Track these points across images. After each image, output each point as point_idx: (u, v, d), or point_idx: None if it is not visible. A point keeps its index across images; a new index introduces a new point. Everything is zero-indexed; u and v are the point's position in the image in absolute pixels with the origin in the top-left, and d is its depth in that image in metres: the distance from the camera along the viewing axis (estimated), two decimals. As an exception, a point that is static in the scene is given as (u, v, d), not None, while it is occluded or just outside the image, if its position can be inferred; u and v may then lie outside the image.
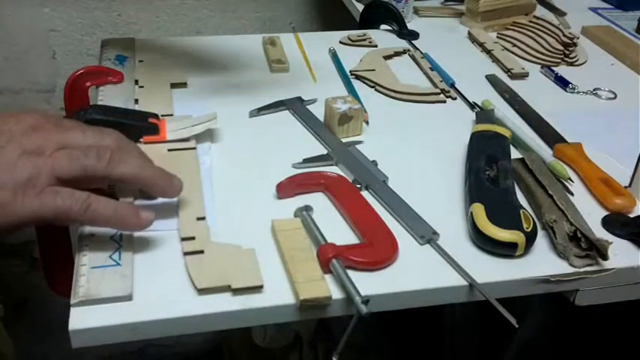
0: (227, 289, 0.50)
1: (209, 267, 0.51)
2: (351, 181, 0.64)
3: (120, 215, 0.50)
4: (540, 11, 1.12)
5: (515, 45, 0.99)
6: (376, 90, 0.85)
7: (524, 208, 0.59)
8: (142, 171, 0.52)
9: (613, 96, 0.88)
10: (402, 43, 0.99)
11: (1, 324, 0.76)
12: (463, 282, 0.54)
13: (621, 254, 0.58)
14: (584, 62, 0.97)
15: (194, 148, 0.67)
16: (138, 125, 0.67)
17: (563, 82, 0.89)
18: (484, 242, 0.56)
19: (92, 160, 0.49)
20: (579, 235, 0.56)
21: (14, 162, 0.47)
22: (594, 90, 0.88)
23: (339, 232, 0.58)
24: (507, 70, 0.91)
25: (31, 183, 0.47)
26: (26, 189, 0.47)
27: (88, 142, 0.51)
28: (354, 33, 0.99)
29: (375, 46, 0.97)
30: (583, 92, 0.88)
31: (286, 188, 0.62)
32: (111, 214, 0.50)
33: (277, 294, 0.51)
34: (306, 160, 0.67)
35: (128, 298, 0.49)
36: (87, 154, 0.49)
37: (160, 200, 0.57)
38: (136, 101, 0.74)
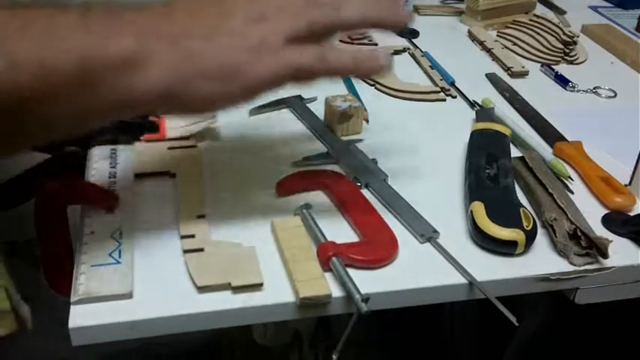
0: (227, 287, 0.50)
1: (209, 265, 0.51)
2: (351, 179, 0.64)
3: (359, 61, 0.50)
4: (540, 9, 1.12)
5: (515, 43, 0.99)
6: (376, 88, 0.85)
7: (524, 207, 0.59)
8: (368, 11, 0.50)
9: (613, 94, 0.88)
10: (402, 42, 0.99)
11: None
12: (463, 280, 0.54)
13: (621, 252, 0.58)
14: (584, 61, 0.97)
15: (194, 146, 0.67)
16: (138, 123, 0.67)
17: (563, 81, 0.89)
18: (484, 240, 0.56)
19: (315, 12, 0.48)
20: (579, 233, 0.56)
21: (241, 29, 0.47)
22: (594, 88, 0.88)
23: (339, 230, 0.58)
24: (507, 69, 0.91)
25: (264, 45, 0.46)
26: (261, 50, 0.46)
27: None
28: (354, 31, 0.99)
29: (375, 44, 0.97)
30: (583, 91, 0.88)
31: (286, 186, 0.62)
32: (349, 62, 0.49)
33: (277, 292, 0.51)
34: (306, 159, 0.67)
35: (128, 296, 0.49)
36: (307, 8, 0.48)
37: (159, 200, 0.57)
38: (136, 99, 0.74)
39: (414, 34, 1.00)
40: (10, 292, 0.65)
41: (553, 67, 0.92)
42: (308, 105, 0.77)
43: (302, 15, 0.48)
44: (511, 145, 0.70)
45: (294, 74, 0.48)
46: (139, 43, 0.44)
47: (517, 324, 0.50)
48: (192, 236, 0.54)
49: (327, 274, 0.52)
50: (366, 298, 0.49)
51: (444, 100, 0.83)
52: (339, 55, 0.49)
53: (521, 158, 0.68)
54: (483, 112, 0.77)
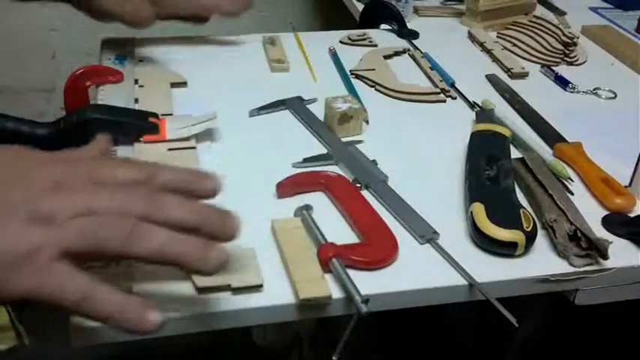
0: (227, 288, 0.50)
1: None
2: (351, 180, 0.64)
3: (123, 315, 0.41)
4: (540, 11, 1.12)
5: (515, 44, 0.99)
6: (376, 89, 0.85)
7: (524, 208, 0.59)
8: (168, 248, 0.43)
9: (613, 95, 0.88)
10: (402, 43, 0.99)
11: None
12: (463, 281, 0.54)
13: (621, 254, 0.58)
14: (584, 62, 0.97)
15: (194, 148, 0.67)
16: (138, 124, 0.67)
17: (563, 82, 0.89)
18: (484, 242, 0.56)
19: (107, 235, 0.41)
20: (579, 234, 0.56)
21: (18, 229, 0.40)
22: (594, 89, 0.88)
23: (339, 231, 0.58)
24: (507, 70, 0.91)
25: (31, 257, 0.40)
26: (23, 264, 0.40)
27: (115, 206, 0.42)
28: (354, 32, 0.99)
29: (375, 45, 0.97)
30: (583, 92, 0.88)
31: (286, 188, 0.62)
32: (110, 314, 0.41)
33: (277, 293, 0.51)
34: (306, 160, 0.67)
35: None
36: (103, 227, 0.41)
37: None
38: (136, 101, 0.74)
39: (414, 35, 1.00)
40: (9, 307, 0.65)
41: (553, 68, 0.92)
42: (308, 106, 0.77)
43: (93, 234, 0.41)
44: (511, 146, 0.70)
45: (49, 302, 0.41)
46: None
47: (517, 325, 0.50)
48: (192, 237, 0.54)
49: (327, 276, 0.52)
50: (366, 300, 0.49)
51: (444, 101, 0.83)
52: (105, 300, 0.41)
53: (521, 159, 0.68)
54: (483, 113, 0.77)
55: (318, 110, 0.76)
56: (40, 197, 0.42)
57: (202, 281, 0.50)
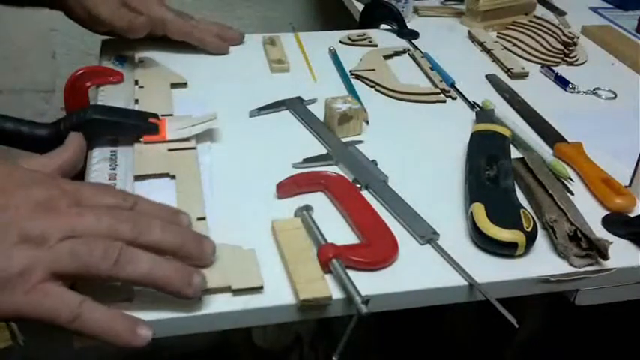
0: (227, 289, 0.50)
1: (209, 267, 0.51)
2: (351, 180, 0.64)
3: (114, 332, 0.44)
4: (540, 11, 1.12)
5: (515, 45, 0.99)
6: (376, 90, 0.85)
7: (525, 208, 0.59)
8: (154, 272, 0.45)
9: (613, 96, 0.88)
10: (402, 43, 0.99)
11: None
12: (463, 282, 0.54)
13: (621, 254, 0.58)
14: (584, 62, 0.97)
15: (194, 148, 0.67)
16: (138, 125, 0.67)
17: (563, 82, 0.89)
18: (484, 242, 0.56)
19: (96, 258, 0.43)
20: (579, 234, 0.56)
21: (10, 250, 0.41)
22: (594, 90, 0.88)
23: (339, 231, 0.58)
24: (507, 70, 0.91)
25: (23, 278, 0.41)
26: (15, 284, 0.41)
27: (102, 229, 0.44)
28: (354, 33, 0.99)
29: (375, 45, 0.97)
30: (583, 92, 0.88)
31: (286, 188, 0.62)
32: (102, 330, 0.43)
33: (277, 294, 0.51)
34: (306, 160, 0.67)
35: (129, 298, 0.49)
36: (92, 250, 0.43)
37: (159, 202, 0.56)
38: (136, 101, 0.74)
39: (414, 35, 1.00)
40: None
41: (553, 68, 0.92)
42: (308, 106, 0.77)
43: (82, 257, 0.43)
44: (511, 147, 0.70)
45: (40, 320, 0.42)
46: None
47: (517, 325, 0.50)
48: (193, 238, 0.54)
49: (328, 276, 0.52)
50: (366, 300, 0.49)
51: (444, 101, 0.83)
52: (97, 318, 0.43)
53: (522, 159, 0.68)
54: (483, 114, 0.77)
55: (318, 110, 0.76)
56: (29, 219, 0.43)
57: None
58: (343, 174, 0.65)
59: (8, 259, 0.41)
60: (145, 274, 0.45)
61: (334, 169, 0.67)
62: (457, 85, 0.86)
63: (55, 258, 0.43)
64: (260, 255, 0.53)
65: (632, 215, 0.63)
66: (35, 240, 0.42)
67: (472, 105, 0.82)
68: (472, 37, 1.02)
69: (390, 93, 0.83)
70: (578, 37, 0.96)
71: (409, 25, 1.02)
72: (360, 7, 1.08)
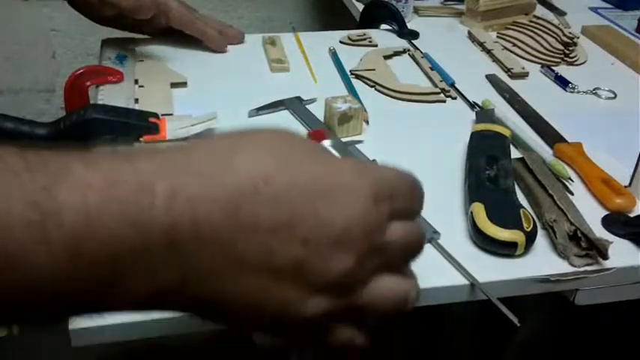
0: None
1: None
2: (351, 180, 0.64)
3: None
4: (540, 11, 1.12)
5: (515, 45, 0.99)
6: (376, 89, 0.85)
7: (525, 208, 0.59)
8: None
9: (613, 95, 0.88)
10: (402, 43, 0.99)
11: None
12: (464, 281, 0.54)
13: (621, 254, 0.58)
14: (584, 62, 0.97)
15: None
16: (138, 125, 0.67)
17: (563, 82, 0.89)
18: (484, 242, 0.56)
19: (403, 305, 0.37)
20: (579, 234, 0.56)
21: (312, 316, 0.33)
22: (594, 89, 0.88)
23: (339, 231, 0.57)
24: (507, 70, 0.91)
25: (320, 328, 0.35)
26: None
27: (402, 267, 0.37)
28: (354, 33, 0.99)
29: (375, 45, 0.97)
30: (583, 92, 0.88)
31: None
32: None
33: (277, 293, 0.51)
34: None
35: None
36: (405, 297, 0.37)
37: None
38: (136, 101, 0.74)
39: (414, 35, 1.00)
40: None
41: (553, 68, 0.92)
42: (307, 106, 0.77)
43: (393, 302, 0.36)
44: (511, 147, 0.70)
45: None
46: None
47: (519, 324, 0.50)
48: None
49: (327, 276, 0.52)
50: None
51: (444, 101, 0.83)
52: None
53: (521, 159, 0.68)
54: (483, 113, 0.77)
55: (317, 110, 0.76)
56: (325, 258, 0.33)
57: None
58: (343, 174, 0.65)
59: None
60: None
61: (334, 169, 0.66)
62: (457, 85, 0.86)
63: (365, 306, 0.36)
64: (260, 254, 0.53)
65: (631, 215, 0.63)
66: (337, 290, 0.34)
67: (472, 105, 0.82)
68: (472, 37, 1.02)
69: (390, 93, 0.83)
70: (578, 37, 0.96)
71: (409, 25, 1.02)
72: (360, 7, 1.08)
